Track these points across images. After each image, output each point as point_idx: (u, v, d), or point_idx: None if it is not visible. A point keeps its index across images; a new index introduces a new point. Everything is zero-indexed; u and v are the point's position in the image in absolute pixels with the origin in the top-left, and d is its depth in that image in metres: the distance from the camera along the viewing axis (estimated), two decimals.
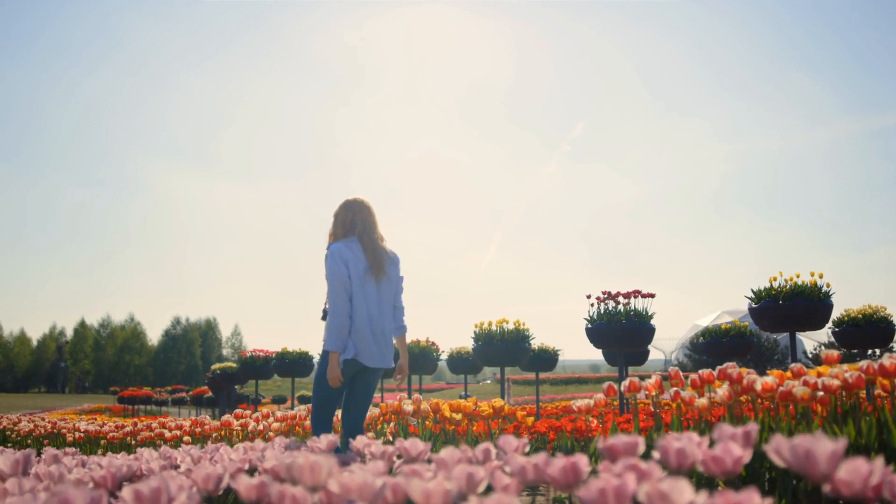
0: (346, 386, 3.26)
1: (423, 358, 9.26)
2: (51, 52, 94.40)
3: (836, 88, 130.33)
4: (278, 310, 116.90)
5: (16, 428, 10.10)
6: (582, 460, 1.22)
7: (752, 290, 5.95)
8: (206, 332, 70.07)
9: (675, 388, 2.53)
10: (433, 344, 9.64)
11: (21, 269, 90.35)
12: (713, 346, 8.50)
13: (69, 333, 66.40)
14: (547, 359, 10.75)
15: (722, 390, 2.21)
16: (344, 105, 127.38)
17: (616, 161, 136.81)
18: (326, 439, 1.89)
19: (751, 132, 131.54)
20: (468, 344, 10.76)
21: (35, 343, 65.22)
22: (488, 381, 42.03)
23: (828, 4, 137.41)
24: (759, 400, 2.29)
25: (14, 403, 30.20)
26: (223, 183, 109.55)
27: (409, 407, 3.69)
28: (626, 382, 2.44)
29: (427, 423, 3.86)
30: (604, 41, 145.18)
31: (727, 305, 42.14)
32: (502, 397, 6.41)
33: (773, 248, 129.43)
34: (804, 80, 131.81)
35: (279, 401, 35.06)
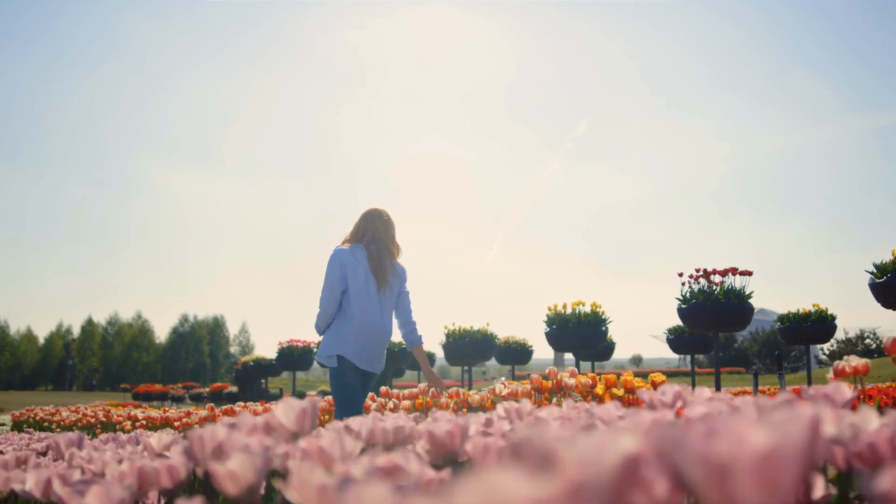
0: (356, 383, 3.28)
1: (484, 345, 8.90)
2: (52, 52, 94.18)
3: (838, 87, 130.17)
4: (282, 308, 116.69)
5: (54, 418, 9.72)
6: None
7: (874, 264, 5.56)
8: (214, 330, 69.66)
9: None
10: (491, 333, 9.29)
11: (24, 268, 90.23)
12: (792, 332, 8.15)
13: (76, 331, 66.02)
14: (604, 348, 10.37)
15: None
16: (346, 103, 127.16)
17: (618, 160, 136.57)
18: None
19: (753, 131, 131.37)
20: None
21: (42, 341, 64.80)
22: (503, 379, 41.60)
23: (830, 3, 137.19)
24: None
25: (23, 401, 29.77)
26: (225, 181, 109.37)
27: (571, 380, 3.32)
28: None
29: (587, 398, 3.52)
30: (606, 40, 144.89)
31: None
32: None
33: (774, 247, 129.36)
34: (806, 79, 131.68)
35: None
